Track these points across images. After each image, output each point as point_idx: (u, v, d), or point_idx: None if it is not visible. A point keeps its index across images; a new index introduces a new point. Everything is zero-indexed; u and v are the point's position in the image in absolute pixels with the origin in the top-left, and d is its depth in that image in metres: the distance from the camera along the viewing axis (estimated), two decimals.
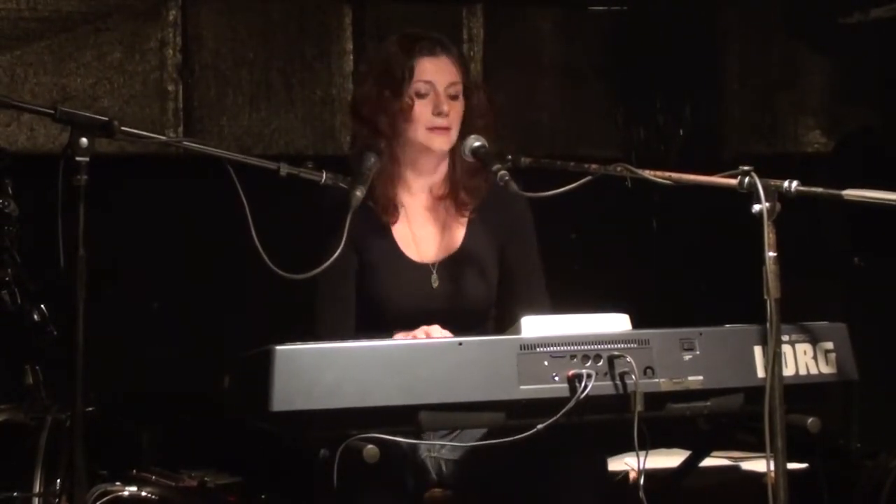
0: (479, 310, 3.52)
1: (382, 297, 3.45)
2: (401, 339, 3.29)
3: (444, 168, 3.55)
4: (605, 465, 3.29)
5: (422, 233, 3.54)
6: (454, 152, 3.50)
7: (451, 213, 3.57)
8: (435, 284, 3.49)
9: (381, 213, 3.50)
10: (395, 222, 3.52)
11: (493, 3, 5.25)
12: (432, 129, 3.45)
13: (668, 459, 3.64)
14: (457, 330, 3.31)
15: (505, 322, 3.42)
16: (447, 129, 3.45)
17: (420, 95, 3.45)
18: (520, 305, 3.43)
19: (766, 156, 5.28)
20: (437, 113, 3.44)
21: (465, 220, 3.57)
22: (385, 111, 3.45)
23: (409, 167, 3.53)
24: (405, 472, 3.31)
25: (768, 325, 2.97)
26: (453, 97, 3.47)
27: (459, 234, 3.56)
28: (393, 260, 3.49)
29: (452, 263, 3.52)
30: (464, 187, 3.54)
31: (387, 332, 3.35)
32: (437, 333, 3.29)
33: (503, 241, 3.58)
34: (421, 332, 3.30)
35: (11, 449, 3.66)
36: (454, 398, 2.91)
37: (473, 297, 3.51)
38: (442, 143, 3.47)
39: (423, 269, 3.51)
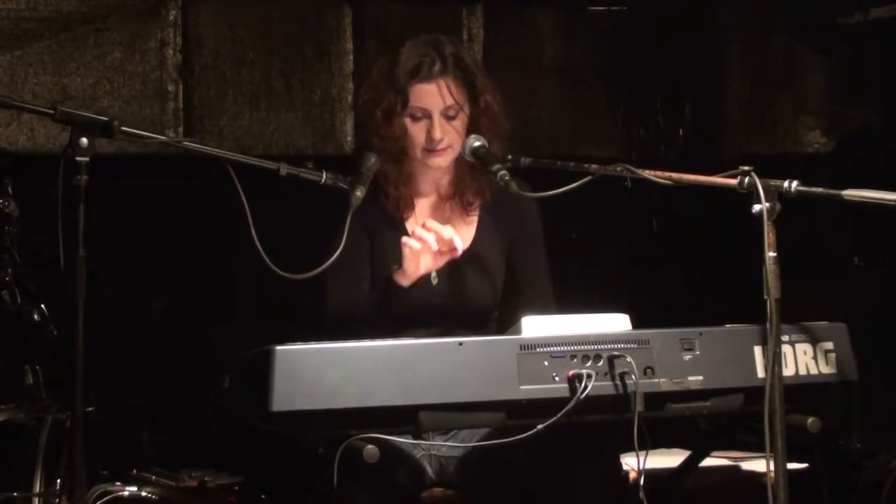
0: (482, 309, 3.52)
1: (387, 290, 3.45)
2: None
3: (450, 169, 3.55)
4: (615, 463, 3.27)
5: None
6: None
7: (457, 212, 3.57)
8: (434, 282, 3.49)
9: (392, 209, 3.50)
10: (407, 218, 3.53)
11: (493, 3, 5.25)
12: (428, 150, 3.45)
13: (668, 459, 3.64)
14: (459, 329, 3.31)
15: (509, 322, 3.42)
16: (444, 149, 3.45)
17: (415, 119, 3.44)
18: (524, 306, 3.43)
19: (766, 156, 5.28)
20: (430, 140, 3.43)
21: (474, 219, 3.57)
22: (379, 133, 3.44)
23: (415, 170, 3.53)
24: (405, 472, 3.31)
25: (768, 325, 2.97)
26: (451, 118, 3.44)
27: (468, 233, 3.56)
28: (399, 254, 3.49)
29: (458, 262, 3.52)
30: (469, 187, 3.54)
31: (395, 324, 3.35)
32: (430, 223, 3.31)
33: (510, 240, 3.59)
34: (417, 229, 3.31)
35: (11, 449, 3.65)
36: (454, 398, 2.91)
37: (476, 296, 3.51)
38: (439, 162, 3.47)
39: None
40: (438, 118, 3.42)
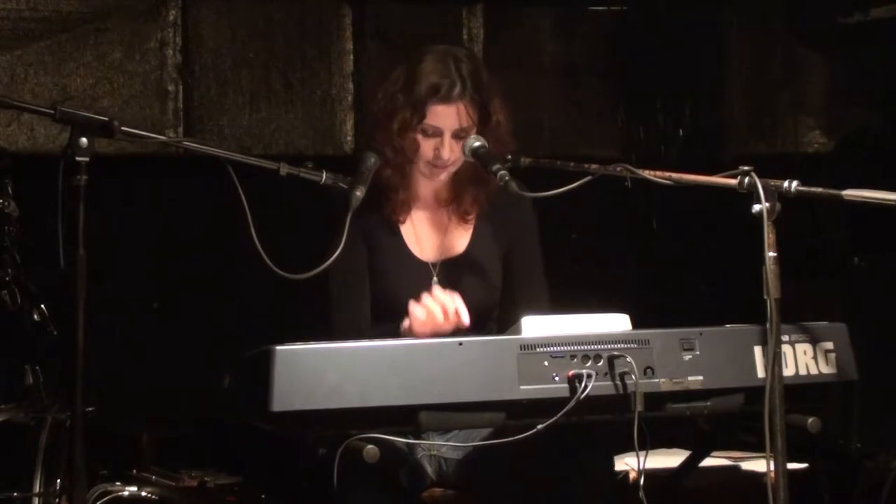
0: (481, 312, 3.52)
1: (386, 294, 3.46)
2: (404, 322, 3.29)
3: (449, 177, 3.55)
4: (610, 463, 3.28)
5: (427, 234, 3.56)
6: None
7: (455, 216, 3.58)
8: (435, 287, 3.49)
9: (389, 212, 3.51)
10: (403, 222, 3.53)
11: (493, 3, 5.25)
12: (433, 165, 3.45)
13: (668, 459, 3.64)
14: (458, 331, 3.31)
15: (506, 322, 3.42)
16: (447, 166, 3.46)
17: (426, 135, 3.44)
18: (520, 306, 3.43)
19: (766, 156, 5.28)
20: (437, 157, 3.44)
21: (470, 224, 3.58)
22: (390, 141, 3.44)
23: (416, 177, 3.53)
24: (405, 472, 3.31)
25: (768, 325, 2.97)
26: (461, 138, 3.44)
27: (465, 237, 3.57)
28: (398, 258, 3.50)
29: (455, 266, 3.53)
30: (468, 196, 3.55)
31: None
32: (437, 293, 3.29)
33: (508, 243, 3.59)
34: (425, 297, 3.28)
35: (11, 449, 3.66)
36: (454, 398, 2.91)
37: (474, 299, 3.51)
38: (441, 176, 3.49)
39: (426, 269, 3.52)
40: (449, 138, 3.43)
